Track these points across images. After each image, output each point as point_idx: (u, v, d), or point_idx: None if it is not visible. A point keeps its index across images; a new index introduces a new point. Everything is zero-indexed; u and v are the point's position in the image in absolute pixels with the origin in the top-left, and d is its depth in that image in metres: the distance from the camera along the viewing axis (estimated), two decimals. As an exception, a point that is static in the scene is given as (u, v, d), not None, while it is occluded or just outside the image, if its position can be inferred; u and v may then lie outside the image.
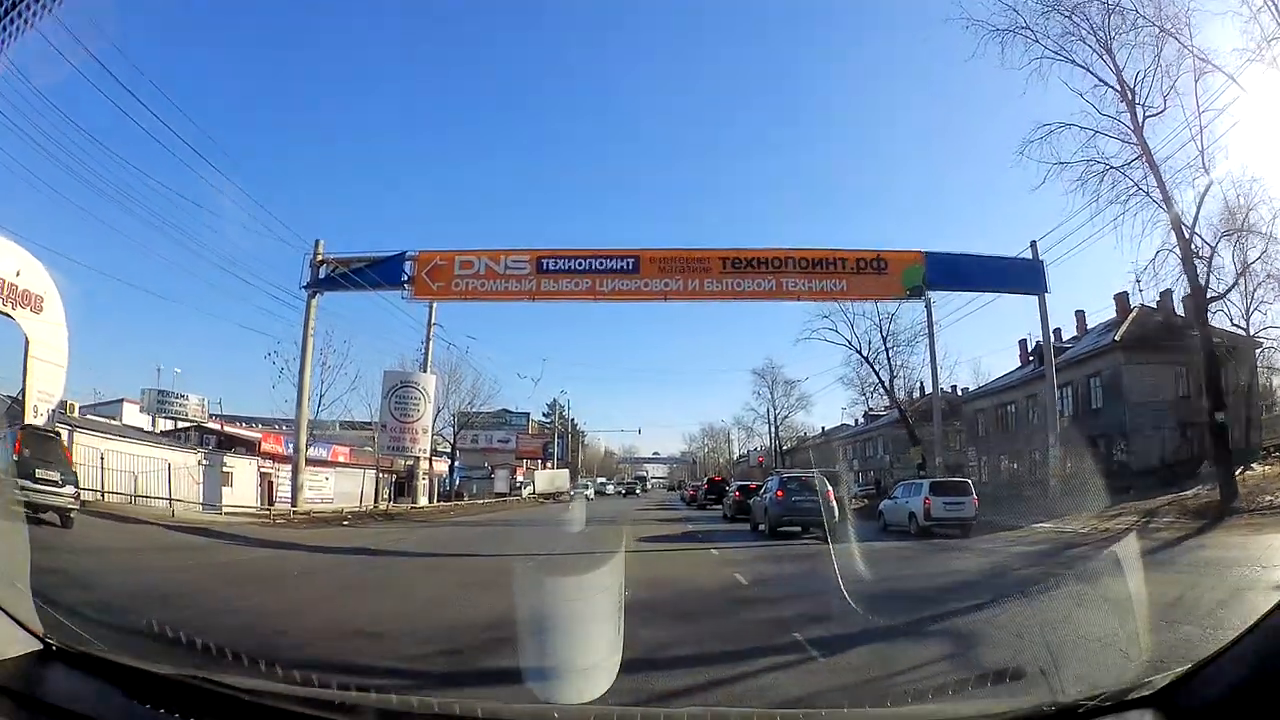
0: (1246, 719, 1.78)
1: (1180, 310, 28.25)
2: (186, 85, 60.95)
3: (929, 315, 30.19)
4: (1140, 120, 19.63)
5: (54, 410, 20.58)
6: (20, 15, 3.37)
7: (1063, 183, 21.29)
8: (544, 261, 27.22)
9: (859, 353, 34.66)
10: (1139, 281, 22.57)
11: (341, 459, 36.08)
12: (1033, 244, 27.47)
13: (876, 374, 35.19)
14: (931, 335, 30.40)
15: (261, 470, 28.46)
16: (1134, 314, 31.01)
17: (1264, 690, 1.74)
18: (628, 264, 27.67)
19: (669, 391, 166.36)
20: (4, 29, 3.36)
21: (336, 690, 3.01)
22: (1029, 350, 38.47)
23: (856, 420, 59.60)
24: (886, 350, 34.08)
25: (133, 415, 33.08)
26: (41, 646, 2.38)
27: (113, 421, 27.53)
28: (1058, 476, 25.07)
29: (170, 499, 24.10)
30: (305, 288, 25.47)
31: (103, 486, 22.25)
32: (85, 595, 7.20)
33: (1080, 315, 35.70)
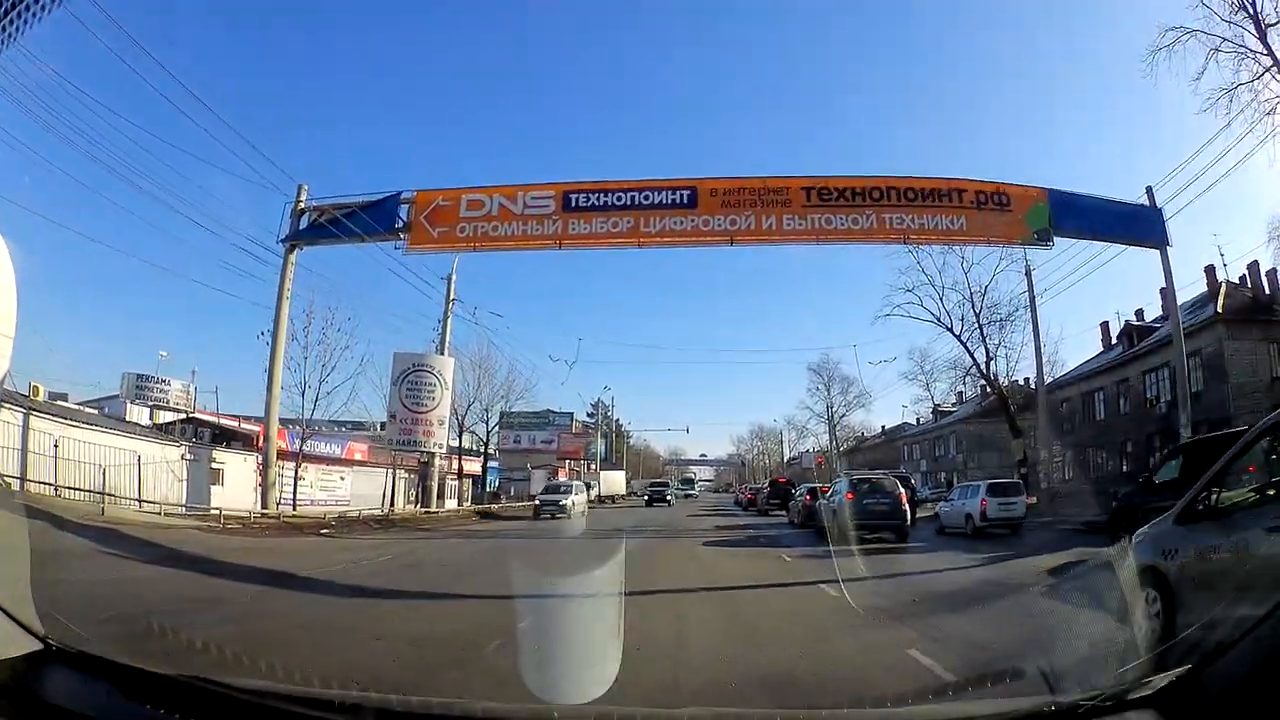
0: (1246, 719, 1.78)
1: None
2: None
3: (1029, 283, 26.75)
4: (1263, 29, 17.90)
5: (-3, 386, 17.05)
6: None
7: (1196, 99, 20.37)
8: (572, 197, 21.93)
9: (950, 330, 30.64)
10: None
11: (359, 457, 32.73)
12: (1148, 190, 22.96)
13: (971, 355, 31.16)
14: (1033, 305, 26.93)
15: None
16: (1223, 288, 28.99)
17: (1264, 690, 1.75)
18: (681, 197, 22.02)
19: (717, 390, 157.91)
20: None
21: (337, 690, 3.13)
22: (1114, 333, 36.68)
23: (919, 418, 57.18)
24: (980, 328, 29.96)
25: (139, 413, 30.30)
26: (41, 646, 2.37)
27: (74, 407, 24.49)
28: None
29: (139, 498, 20.64)
30: (283, 241, 21.16)
31: (55, 479, 19.20)
32: None
33: (1164, 293, 29.94)
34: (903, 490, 19.09)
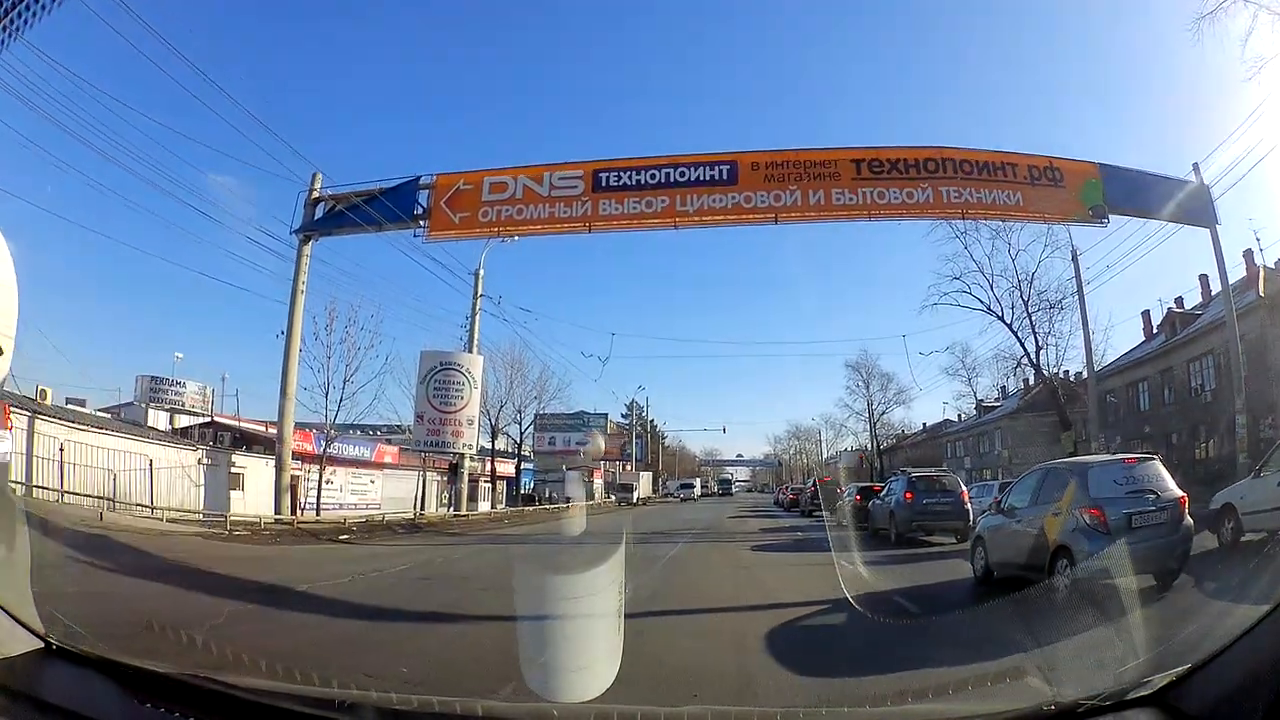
0: (1246, 719, 1.72)
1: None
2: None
3: (1076, 267, 24.60)
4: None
5: (-5, 388, 14.99)
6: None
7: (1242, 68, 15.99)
8: (603, 175, 19.42)
9: (1000, 318, 28.44)
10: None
11: (389, 459, 30.54)
12: (1195, 166, 20.59)
13: (1021, 344, 29.02)
14: (1081, 290, 24.75)
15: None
16: (1262, 273, 27.10)
17: (1264, 690, 1.69)
18: (720, 173, 19.43)
19: (755, 389, 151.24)
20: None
21: (337, 689, 2.90)
22: (1155, 322, 34.97)
23: (960, 415, 53.76)
24: (1029, 316, 27.96)
25: (160, 418, 28.33)
26: (42, 645, 2.31)
27: (83, 410, 22.49)
28: (1247, 454, 19.26)
29: (151, 504, 18.58)
30: (296, 232, 18.93)
31: (61, 484, 17.29)
32: None
33: (1204, 280, 30.11)
34: (964, 488, 17.58)
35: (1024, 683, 3.76)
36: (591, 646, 3.33)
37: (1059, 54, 72.89)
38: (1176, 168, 21.91)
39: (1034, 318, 28.07)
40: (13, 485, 15.82)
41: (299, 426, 22.63)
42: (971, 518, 17.10)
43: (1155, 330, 34.73)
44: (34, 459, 17.17)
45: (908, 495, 16.95)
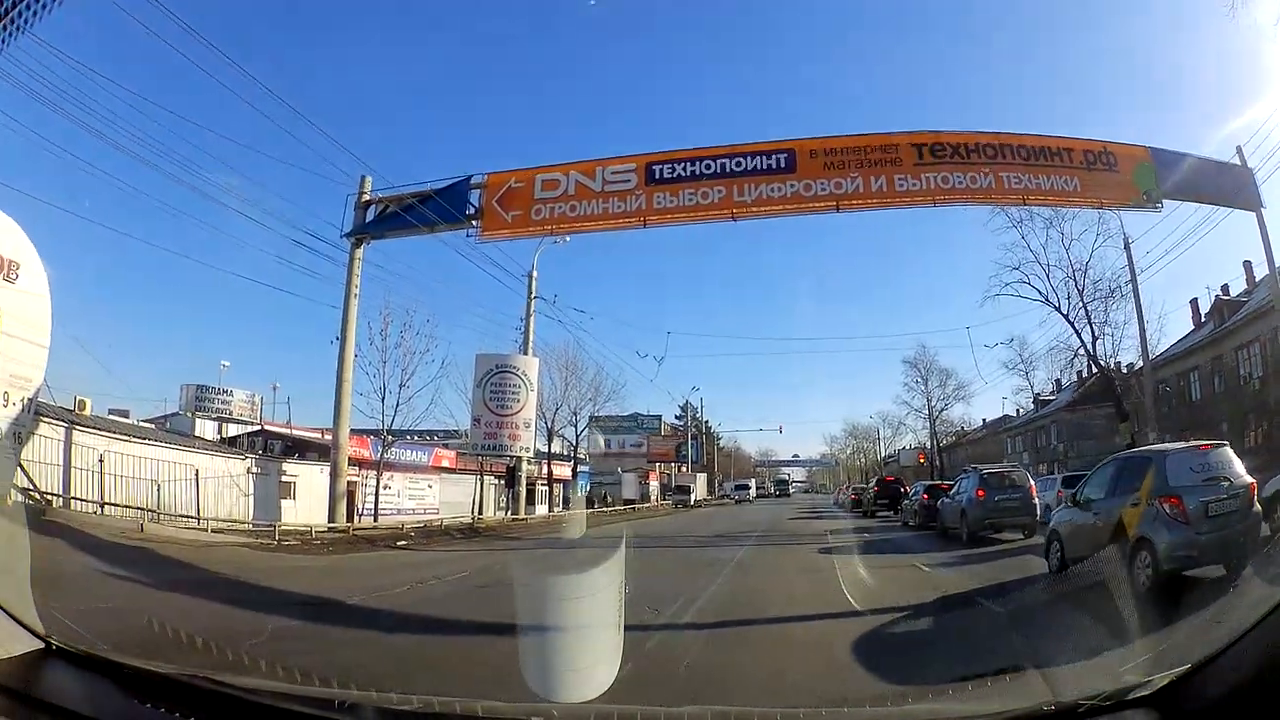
0: (1246, 719, 1.70)
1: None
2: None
3: (1129, 256, 23.96)
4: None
5: (31, 398, 14.52)
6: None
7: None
8: (656, 168, 18.65)
9: (1058, 309, 27.52)
10: None
11: (446, 464, 29.85)
12: (1239, 150, 19.98)
13: (1079, 335, 28.13)
14: (1134, 279, 23.98)
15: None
16: None
17: (1264, 690, 1.67)
18: (778, 161, 18.59)
19: (811, 387, 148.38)
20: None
21: (337, 689, 2.82)
22: (1203, 311, 34.32)
23: (1019, 410, 52.32)
24: (1084, 306, 27.18)
25: (208, 428, 27.86)
26: (42, 646, 2.28)
27: (123, 420, 22.02)
28: None
29: (197, 514, 17.93)
30: (346, 235, 18.36)
31: (101, 495, 16.61)
32: None
33: (1248, 265, 29.80)
34: (1032, 483, 17.45)
35: (1023, 682, 3.61)
36: (591, 650, 3.03)
37: (1086, 37, 70.43)
38: (1215, 152, 20.90)
39: (1089, 307, 27.28)
40: (50, 497, 15.32)
41: (355, 433, 22.12)
42: (1039, 513, 16.83)
43: (1204, 319, 33.97)
44: (72, 470, 16.62)
45: (979, 493, 16.49)
